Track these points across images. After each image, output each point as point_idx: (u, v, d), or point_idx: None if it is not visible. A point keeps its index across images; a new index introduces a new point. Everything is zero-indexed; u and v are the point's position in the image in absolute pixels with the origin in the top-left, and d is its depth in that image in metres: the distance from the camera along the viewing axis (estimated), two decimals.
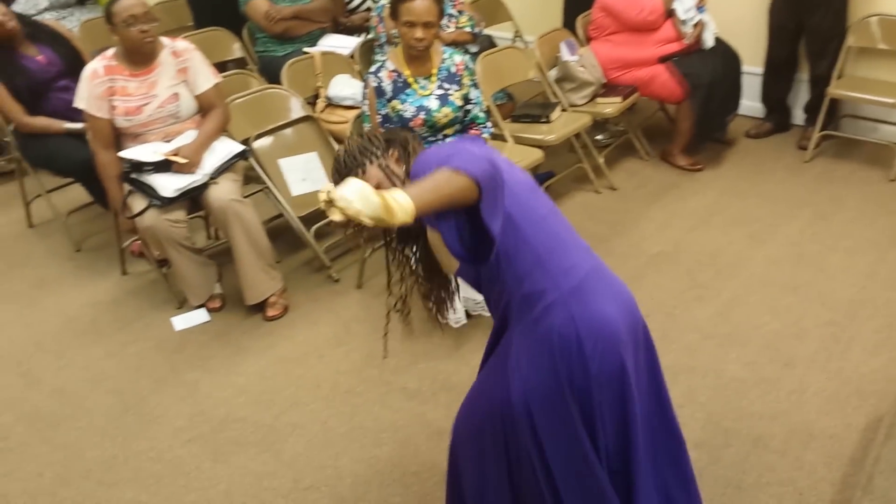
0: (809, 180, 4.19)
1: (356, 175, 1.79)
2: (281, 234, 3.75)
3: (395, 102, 3.04)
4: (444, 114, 3.08)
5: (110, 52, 3.21)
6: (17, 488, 2.54)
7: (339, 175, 1.83)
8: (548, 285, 1.66)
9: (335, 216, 1.36)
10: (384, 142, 1.85)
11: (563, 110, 4.09)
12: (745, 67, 4.42)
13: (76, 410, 2.88)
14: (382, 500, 2.41)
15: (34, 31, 3.69)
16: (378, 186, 1.57)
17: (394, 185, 1.78)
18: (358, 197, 1.33)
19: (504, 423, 1.73)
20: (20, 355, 3.20)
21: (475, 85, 3.21)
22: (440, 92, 3.09)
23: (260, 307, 3.34)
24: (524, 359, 1.69)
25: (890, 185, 4.09)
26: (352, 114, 3.58)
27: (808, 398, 2.70)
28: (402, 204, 1.37)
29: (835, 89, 4.21)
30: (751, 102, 4.72)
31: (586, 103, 4.15)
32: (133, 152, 3.12)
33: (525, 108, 4.12)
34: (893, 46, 4.22)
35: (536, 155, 3.60)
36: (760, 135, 4.69)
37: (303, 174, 3.60)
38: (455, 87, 3.13)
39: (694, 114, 4.21)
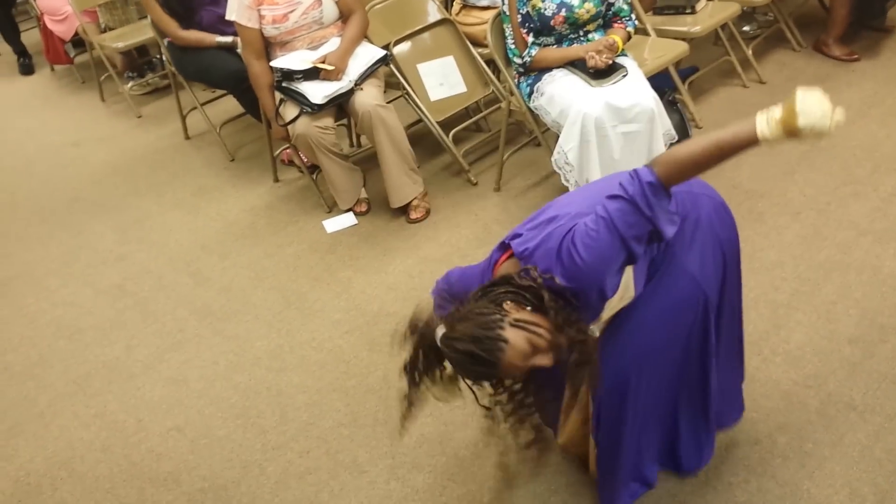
0: None
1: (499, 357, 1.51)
2: (420, 140, 3.84)
3: (535, 0, 3.00)
4: (587, 9, 3.01)
5: None
6: (195, 374, 2.82)
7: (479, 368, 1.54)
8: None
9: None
10: (490, 302, 1.54)
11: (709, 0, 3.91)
12: None
13: (243, 305, 3.12)
14: None
15: None
16: (532, 347, 1.52)
17: (543, 336, 1.53)
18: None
19: (702, 314, 1.80)
20: (188, 256, 3.48)
21: None
22: None
23: (403, 210, 3.47)
24: (695, 254, 1.76)
25: None
26: (488, 14, 3.55)
27: None
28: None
29: None
30: None
31: None
32: (283, 61, 3.25)
33: None
34: None
35: (681, 48, 3.47)
36: None
37: (440, 79, 3.64)
38: None
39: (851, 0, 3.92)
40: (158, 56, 5.16)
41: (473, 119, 3.92)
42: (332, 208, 3.60)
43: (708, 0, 3.89)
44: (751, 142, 1.46)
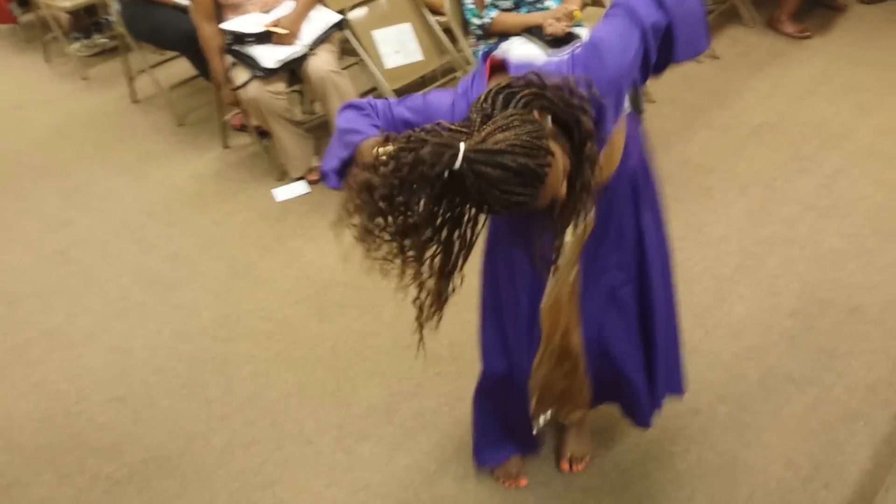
0: None
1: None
2: None
3: None
4: None
5: None
6: (139, 343, 2.77)
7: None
8: None
9: None
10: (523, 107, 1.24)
11: None
12: None
13: (190, 274, 3.07)
14: (476, 360, 2.52)
15: None
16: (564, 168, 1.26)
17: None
18: None
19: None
20: (134, 223, 3.41)
21: None
22: None
23: None
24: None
25: None
26: None
27: None
28: None
29: None
30: None
31: None
32: (234, 24, 3.17)
33: None
34: None
35: None
36: (875, 0, 4.39)
37: (396, 46, 3.59)
38: None
39: None
40: (106, 17, 5.00)
41: (429, 88, 3.88)
42: (283, 176, 3.55)
43: None
44: None
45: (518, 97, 1.23)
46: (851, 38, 4.09)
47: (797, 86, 3.74)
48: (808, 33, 4.14)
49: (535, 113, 1.23)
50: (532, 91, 1.23)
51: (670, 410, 2.26)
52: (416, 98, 1.49)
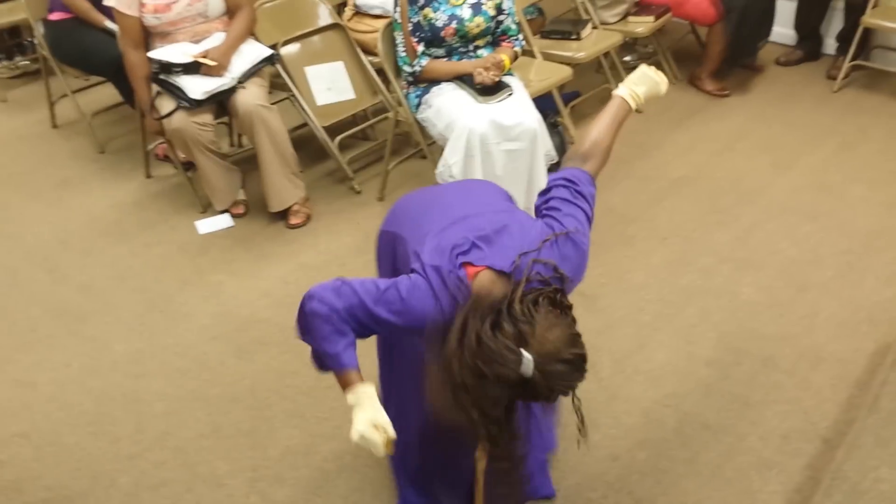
0: (836, 110, 4.14)
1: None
2: (305, 144, 3.77)
3: (427, 10, 3.01)
4: (477, 23, 3.05)
5: None
6: (45, 377, 2.64)
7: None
8: None
9: None
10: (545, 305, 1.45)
11: (594, 28, 4.03)
12: None
13: (103, 306, 2.96)
14: None
15: None
16: None
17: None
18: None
19: None
20: (46, 251, 3.28)
21: None
22: (473, 0, 3.05)
23: (283, 215, 3.39)
24: None
25: None
26: (380, 23, 3.52)
27: (820, 323, 2.75)
28: None
29: (870, 18, 4.12)
30: (783, 29, 4.62)
31: (618, 21, 4.09)
32: (162, 53, 3.12)
33: (556, 24, 4.06)
34: None
35: (565, 73, 3.56)
36: (790, 62, 4.62)
37: (328, 83, 3.59)
38: None
39: (726, 37, 4.13)
40: (30, 39, 4.86)
41: (360, 127, 3.88)
42: (207, 209, 3.47)
43: (593, 28, 4.02)
44: (628, 112, 1.87)
45: (543, 297, 1.43)
46: (768, 98, 4.28)
47: (716, 141, 3.88)
48: (727, 91, 4.31)
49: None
50: (551, 289, 1.45)
51: (590, 457, 2.27)
52: (394, 299, 1.53)
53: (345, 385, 1.56)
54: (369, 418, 1.52)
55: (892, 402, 2.17)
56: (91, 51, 3.61)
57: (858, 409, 2.32)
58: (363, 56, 3.67)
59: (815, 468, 2.22)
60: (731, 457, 2.27)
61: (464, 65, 3.10)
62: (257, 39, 3.41)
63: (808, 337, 2.69)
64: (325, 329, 1.54)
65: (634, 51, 4.62)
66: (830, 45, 4.60)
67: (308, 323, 1.57)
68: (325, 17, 3.69)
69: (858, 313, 2.78)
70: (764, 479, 2.21)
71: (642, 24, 4.06)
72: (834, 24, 4.56)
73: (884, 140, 3.85)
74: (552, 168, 3.19)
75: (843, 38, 4.40)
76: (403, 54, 3.10)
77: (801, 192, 3.47)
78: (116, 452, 2.36)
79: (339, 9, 3.93)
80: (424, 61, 3.09)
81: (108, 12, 3.53)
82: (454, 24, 3.04)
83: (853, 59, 4.26)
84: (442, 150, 3.06)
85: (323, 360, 1.61)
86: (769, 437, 2.32)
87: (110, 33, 3.54)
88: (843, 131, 3.93)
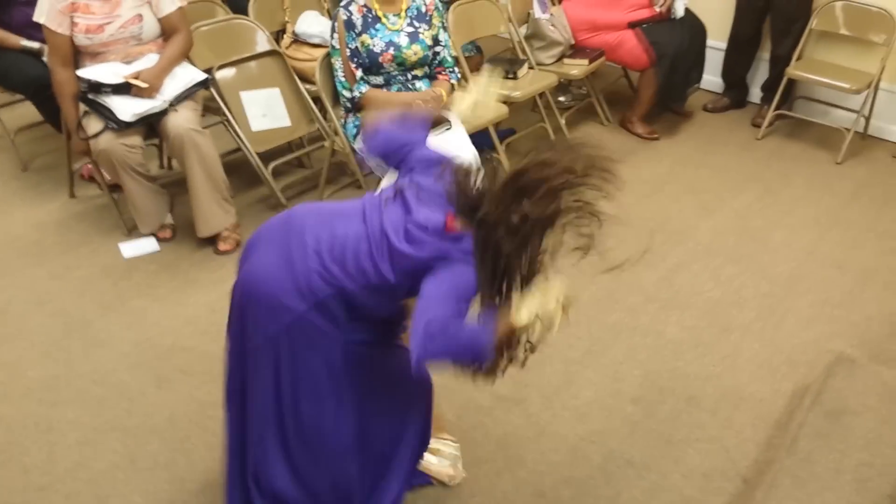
0: (760, 157, 4.30)
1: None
2: (237, 169, 3.71)
3: (364, 37, 3.04)
4: (414, 51, 3.09)
5: None
6: None
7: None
8: None
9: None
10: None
11: (531, 68, 4.11)
12: (710, 41, 4.47)
13: (18, 330, 2.84)
14: None
15: None
16: None
17: None
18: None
19: None
20: None
21: (444, 27, 3.23)
22: (410, 29, 3.09)
23: (211, 240, 3.32)
24: None
25: (836, 168, 4.22)
26: (318, 52, 3.53)
27: (741, 363, 2.82)
28: None
29: (793, 70, 4.30)
30: (711, 77, 4.79)
31: (553, 63, 4.18)
32: (92, 72, 3.04)
33: (493, 62, 4.12)
34: (854, 33, 4.32)
35: (501, 110, 3.60)
36: (717, 109, 4.78)
37: (264, 110, 3.55)
38: (425, 25, 3.15)
39: (657, 83, 4.26)
40: None
41: (295, 154, 3.85)
42: (133, 231, 3.38)
43: (529, 68, 4.09)
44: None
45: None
46: (695, 143, 4.42)
47: (645, 183, 3.97)
48: (656, 135, 4.43)
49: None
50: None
51: (516, 494, 2.27)
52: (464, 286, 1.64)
53: (504, 326, 1.57)
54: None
55: (810, 444, 2.23)
56: (9, 71, 3.52)
57: (777, 449, 2.37)
58: (301, 84, 3.65)
59: None
60: (655, 494, 2.30)
61: (403, 96, 3.12)
62: (192, 63, 3.36)
63: (730, 377, 2.75)
64: (458, 337, 1.57)
65: (569, 91, 4.72)
66: (756, 94, 4.78)
67: (454, 356, 1.60)
68: (262, 43, 3.66)
69: (778, 355, 2.86)
70: None
71: (577, 67, 4.15)
72: (759, 74, 4.75)
73: (805, 186, 4.01)
74: None
75: (768, 88, 4.58)
76: (343, 79, 3.12)
77: (726, 235, 3.57)
78: (26, 483, 2.25)
79: (278, 36, 3.92)
80: (364, 88, 3.10)
81: (25, 31, 3.45)
82: (391, 51, 3.07)
83: (777, 108, 4.43)
84: (379, 180, 3.05)
85: (479, 347, 1.57)
86: (691, 476, 2.36)
87: (31, 53, 3.45)
88: (767, 177, 4.08)
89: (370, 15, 3.07)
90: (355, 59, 3.07)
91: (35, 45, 3.45)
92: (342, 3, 3.10)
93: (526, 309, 1.53)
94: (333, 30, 3.10)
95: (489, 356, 1.57)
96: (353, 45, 3.06)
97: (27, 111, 3.94)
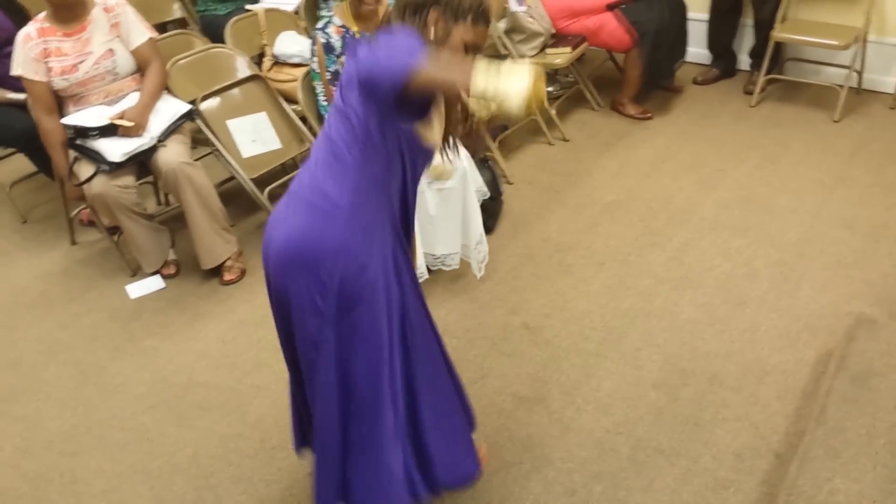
0: (756, 124, 4.26)
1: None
2: (234, 197, 3.70)
3: (344, 59, 3.00)
4: None
5: (41, 15, 3.11)
6: None
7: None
8: None
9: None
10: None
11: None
12: (691, 14, 4.44)
13: (33, 383, 2.83)
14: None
15: None
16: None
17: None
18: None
19: None
20: None
21: None
22: None
23: (216, 272, 3.31)
24: None
25: (834, 126, 4.18)
26: (300, 71, 3.50)
27: (760, 336, 2.78)
28: None
29: (779, 32, 4.26)
30: (697, 49, 4.76)
31: (536, 54, 4.15)
32: (77, 118, 3.03)
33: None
34: None
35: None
36: (707, 81, 4.74)
37: (252, 135, 3.54)
38: None
39: (642, 62, 4.23)
40: None
41: (290, 176, 3.82)
42: (137, 272, 3.37)
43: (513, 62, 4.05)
44: None
45: None
46: (689, 117, 4.38)
47: (642, 164, 3.94)
48: (649, 114, 4.40)
49: None
50: None
51: (546, 495, 2.24)
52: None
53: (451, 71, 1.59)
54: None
55: (839, 411, 2.19)
56: None
57: (807, 420, 2.34)
58: (286, 105, 3.63)
59: (770, 484, 2.22)
60: (687, 480, 2.27)
61: None
62: (175, 96, 3.34)
63: (751, 351, 2.72)
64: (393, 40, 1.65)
65: (556, 81, 4.69)
66: (745, 62, 4.75)
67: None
68: (243, 69, 3.64)
69: (797, 323, 2.83)
70: (721, 500, 2.20)
71: (560, 56, 4.12)
72: (746, 41, 4.71)
73: (804, 150, 3.97)
74: (485, 204, 3.20)
75: (756, 54, 4.54)
76: (324, 102, 3.09)
77: (730, 208, 3.53)
78: None
79: (259, 60, 3.90)
80: None
81: (10, 84, 3.45)
82: None
83: (767, 72, 4.40)
84: None
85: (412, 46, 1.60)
86: (722, 457, 2.33)
87: (17, 105, 3.44)
88: (765, 144, 4.04)
89: (348, 35, 3.04)
90: (337, 82, 3.04)
91: (21, 96, 3.43)
92: (318, 26, 3.07)
93: (482, 77, 1.49)
94: (313, 53, 3.07)
95: (420, 60, 1.55)
96: (332, 69, 3.03)
97: (21, 164, 3.94)
